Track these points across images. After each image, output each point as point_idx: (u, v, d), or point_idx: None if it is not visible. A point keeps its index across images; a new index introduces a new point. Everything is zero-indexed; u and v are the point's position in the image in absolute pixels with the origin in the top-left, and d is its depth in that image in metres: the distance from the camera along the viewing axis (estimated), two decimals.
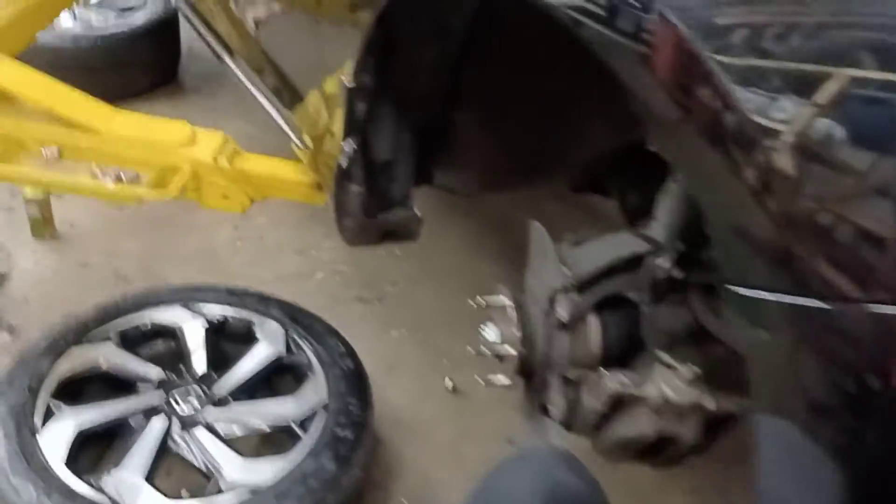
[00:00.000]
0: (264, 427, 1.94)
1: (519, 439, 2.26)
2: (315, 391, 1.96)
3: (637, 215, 1.89)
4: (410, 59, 1.65)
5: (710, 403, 1.40)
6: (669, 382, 1.40)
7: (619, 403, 1.42)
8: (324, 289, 2.74)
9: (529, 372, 1.49)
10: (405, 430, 2.26)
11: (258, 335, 2.08)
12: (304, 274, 2.81)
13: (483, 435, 2.28)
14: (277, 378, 2.08)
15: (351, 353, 2.05)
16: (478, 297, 1.55)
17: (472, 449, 2.25)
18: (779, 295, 0.93)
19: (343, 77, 1.65)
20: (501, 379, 1.53)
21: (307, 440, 1.86)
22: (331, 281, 2.78)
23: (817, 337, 0.91)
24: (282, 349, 2.06)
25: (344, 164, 1.76)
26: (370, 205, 1.83)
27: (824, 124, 0.87)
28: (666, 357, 1.43)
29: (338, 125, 1.76)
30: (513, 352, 1.48)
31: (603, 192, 2.05)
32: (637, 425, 1.42)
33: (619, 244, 1.47)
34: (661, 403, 1.39)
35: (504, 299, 1.53)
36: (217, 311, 2.12)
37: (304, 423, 1.91)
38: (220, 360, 2.06)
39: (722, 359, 1.53)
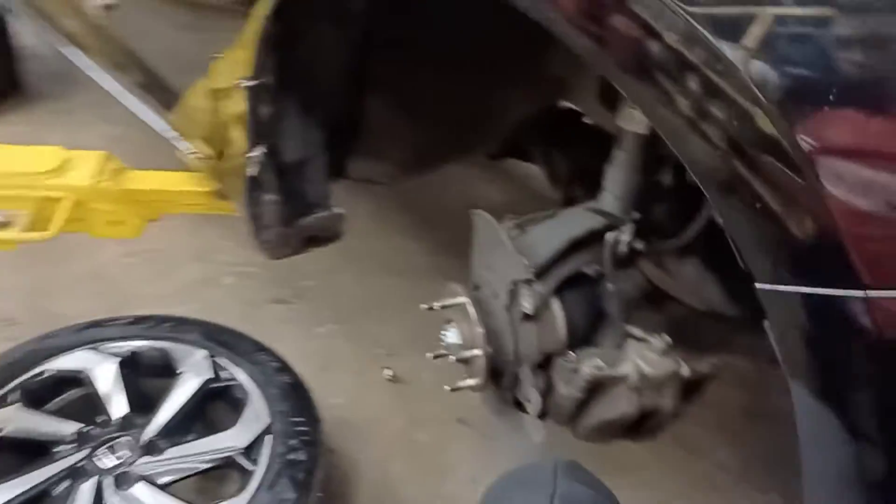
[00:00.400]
0: (207, 466, 1.78)
1: (470, 418, 2.20)
2: (255, 416, 1.81)
3: (564, 181, 1.83)
4: (313, 50, 1.49)
5: (685, 370, 1.36)
6: (644, 357, 1.36)
7: (597, 387, 1.36)
8: (235, 295, 2.56)
9: (499, 370, 1.41)
10: (353, 430, 2.16)
11: (179, 366, 1.90)
12: (209, 281, 2.61)
13: (433, 419, 2.21)
14: (211, 408, 1.92)
15: (285, 367, 1.91)
16: (434, 303, 1.45)
17: (424, 435, 2.18)
18: None
19: (241, 79, 1.48)
20: (469, 382, 1.45)
21: (258, 472, 1.72)
22: (241, 285, 2.60)
23: None
24: (208, 375, 1.89)
25: (254, 173, 1.59)
26: (287, 212, 1.67)
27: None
28: (636, 331, 1.39)
29: (237, 128, 1.58)
30: (479, 353, 1.40)
31: (525, 157, 1.97)
32: (618, 406, 1.37)
33: (572, 223, 1.40)
34: (639, 380, 1.35)
35: (460, 298, 1.43)
36: (127, 346, 1.92)
37: (250, 453, 1.77)
38: (142, 400, 1.87)
39: (683, 318, 1.51)
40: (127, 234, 1.91)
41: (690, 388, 1.42)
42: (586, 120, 1.88)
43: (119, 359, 1.89)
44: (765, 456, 2.10)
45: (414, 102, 1.74)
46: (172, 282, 2.58)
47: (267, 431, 1.78)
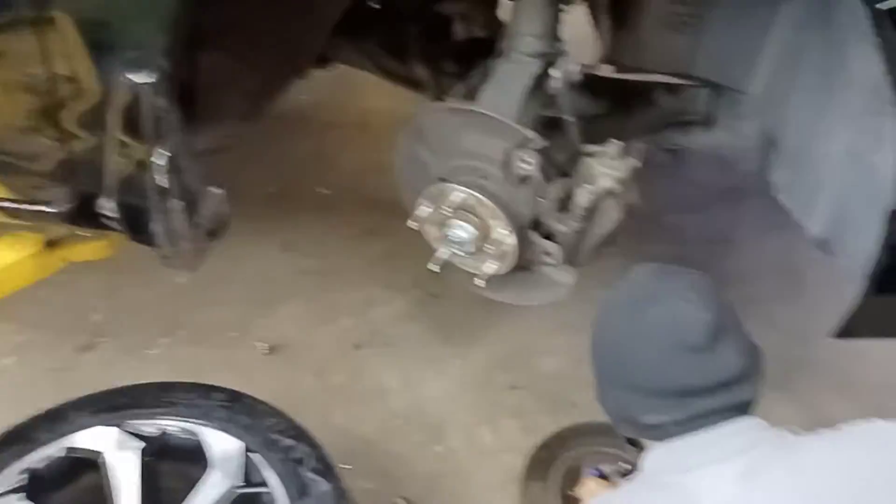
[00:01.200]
0: None
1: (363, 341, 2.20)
2: None
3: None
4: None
5: (638, 161, 1.57)
6: (610, 165, 1.53)
7: (591, 210, 1.51)
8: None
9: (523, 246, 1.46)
10: None
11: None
12: None
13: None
14: None
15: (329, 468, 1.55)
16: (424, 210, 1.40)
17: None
18: None
19: (130, 76, 1.19)
20: (493, 266, 1.48)
21: None
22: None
23: None
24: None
25: (164, 182, 1.32)
26: (189, 214, 1.43)
27: None
28: (591, 147, 1.54)
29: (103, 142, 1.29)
30: (506, 231, 1.43)
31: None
32: (611, 216, 1.54)
33: (515, 76, 1.46)
34: (618, 186, 1.52)
35: (458, 191, 1.43)
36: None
37: None
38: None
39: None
40: None
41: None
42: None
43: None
44: None
45: (238, 46, 1.57)
46: None
47: None
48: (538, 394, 2.09)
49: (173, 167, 1.38)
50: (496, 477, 1.91)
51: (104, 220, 1.43)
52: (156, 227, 1.39)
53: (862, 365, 2.12)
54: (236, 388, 1.67)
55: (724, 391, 1.08)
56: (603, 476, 1.81)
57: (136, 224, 1.41)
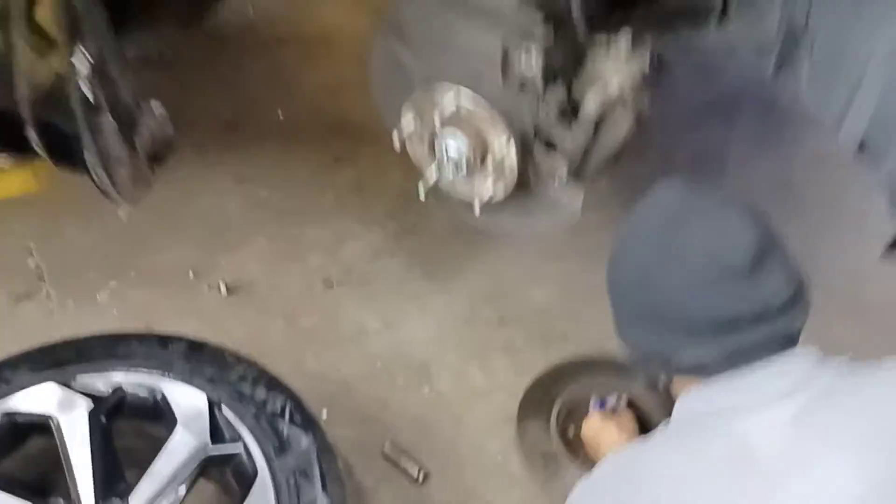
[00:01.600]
0: None
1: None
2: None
3: None
4: None
5: (646, 65, 1.38)
6: (618, 70, 1.34)
7: (599, 121, 1.32)
8: None
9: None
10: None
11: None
12: None
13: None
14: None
15: (309, 420, 1.40)
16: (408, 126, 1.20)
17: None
18: None
19: None
20: (485, 190, 1.29)
21: None
22: None
23: None
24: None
25: (89, 93, 1.09)
26: (125, 133, 1.20)
27: None
28: (599, 47, 1.34)
29: None
30: (504, 137, 1.24)
31: None
32: (622, 125, 1.36)
33: None
34: (627, 92, 1.34)
35: (448, 97, 1.22)
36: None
37: None
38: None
39: None
40: None
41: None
42: None
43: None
44: None
45: None
46: None
47: None
48: (528, 328, 1.93)
49: (101, 76, 1.14)
50: (489, 418, 1.76)
51: (24, 144, 1.20)
52: (86, 150, 1.16)
53: (868, 285, 2.01)
54: (198, 335, 1.49)
55: (770, 321, 0.93)
56: (609, 409, 1.69)
57: (60, 147, 1.18)
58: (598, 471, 1.04)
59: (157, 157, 1.32)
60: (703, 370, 0.97)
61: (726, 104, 2.49)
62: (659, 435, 1.01)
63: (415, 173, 1.46)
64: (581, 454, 1.68)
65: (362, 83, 2.44)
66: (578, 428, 1.69)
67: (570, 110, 1.30)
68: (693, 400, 1.00)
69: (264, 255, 2.06)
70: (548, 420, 1.73)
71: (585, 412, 1.69)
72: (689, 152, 2.43)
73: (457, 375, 1.84)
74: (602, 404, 1.68)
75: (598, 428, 1.61)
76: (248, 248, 2.07)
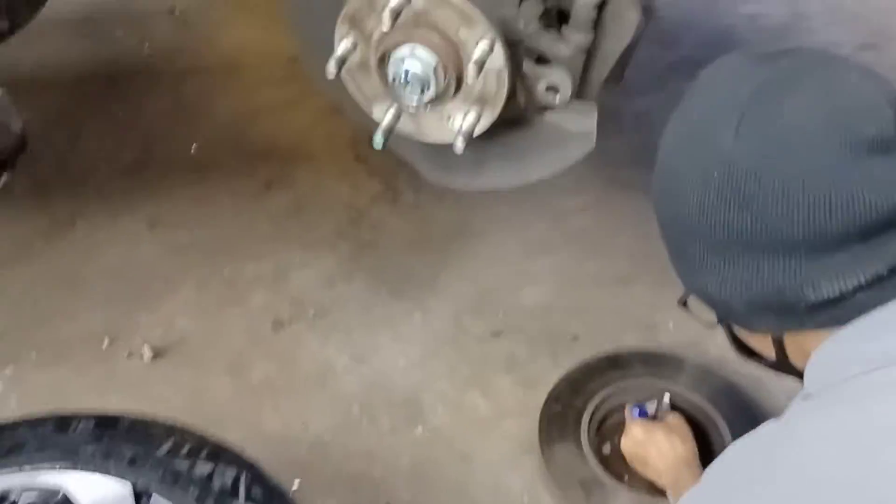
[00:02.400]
0: None
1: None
2: None
3: None
4: None
5: None
6: None
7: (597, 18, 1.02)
8: None
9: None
10: None
11: None
12: None
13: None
14: None
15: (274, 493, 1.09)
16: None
17: None
18: None
19: None
20: (464, 121, 0.96)
21: None
22: None
23: None
24: None
25: None
26: None
27: None
28: None
29: None
30: (487, 41, 0.92)
31: None
32: (629, 19, 1.08)
33: None
34: None
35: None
36: None
37: None
38: None
39: None
40: None
41: None
42: None
43: None
44: None
45: None
46: None
47: None
48: (528, 335, 1.60)
49: None
50: (504, 451, 1.42)
51: None
52: None
53: None
54: (124, 409, 1.12)
55: None
56: (650, 416, 1.37)
57: None
58: (715, 474, 0.70)
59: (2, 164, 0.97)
60: (850, 307, 0.66)
61: (685, 65, 2.27)
62: (800, 410, 0.67)
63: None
64: (626, 473, 1.35)
65: (285, 104, 2.17)
66: (615, 443, 1.37)
67: (557, 13, 0.99)
68: (821, 364, 0.68)
69: (194, 305, 1.69)
70: (577, 440, 1.39)
71: (621, 422, 1.37)
72: (663, 113, 2.17)
73: (454, 406, 1.49)
74: (642, 411, 1.37)
75: (642, 440, 1.29)
76: (172, 300, 1.69)
